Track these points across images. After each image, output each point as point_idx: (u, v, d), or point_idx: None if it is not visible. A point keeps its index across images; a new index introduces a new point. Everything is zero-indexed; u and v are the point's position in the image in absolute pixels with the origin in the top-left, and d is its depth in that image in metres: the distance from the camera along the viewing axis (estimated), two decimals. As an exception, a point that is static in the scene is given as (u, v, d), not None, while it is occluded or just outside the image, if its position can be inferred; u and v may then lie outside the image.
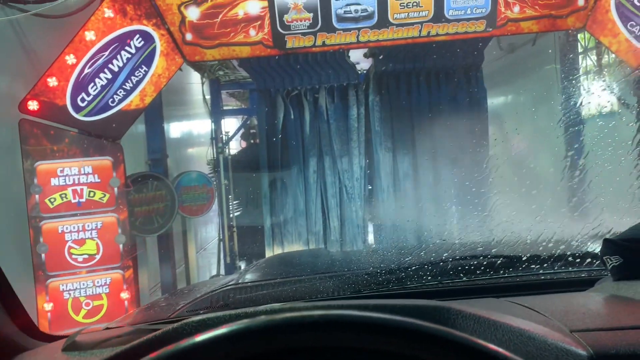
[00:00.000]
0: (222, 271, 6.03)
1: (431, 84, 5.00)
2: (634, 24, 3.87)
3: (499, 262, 1.38)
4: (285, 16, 3.88)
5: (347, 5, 3.84)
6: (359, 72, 5.25)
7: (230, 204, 6.14)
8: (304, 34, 3.93)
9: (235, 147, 6.62)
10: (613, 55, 4.56)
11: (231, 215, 6.11)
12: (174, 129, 7.35)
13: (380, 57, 4.96)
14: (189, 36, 3.92)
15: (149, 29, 3.88)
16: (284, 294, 1.34)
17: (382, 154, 5.09)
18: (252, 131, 6.30)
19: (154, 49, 3.91)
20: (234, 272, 5.66)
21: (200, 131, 7.44)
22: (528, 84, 6.30)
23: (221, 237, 6.17)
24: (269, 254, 5.24)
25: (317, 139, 5.17)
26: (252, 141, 6.30)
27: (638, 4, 3.86)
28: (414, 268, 1.35)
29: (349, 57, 5.04)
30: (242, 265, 5.93)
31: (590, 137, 4.75)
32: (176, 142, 7.24)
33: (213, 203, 5.80)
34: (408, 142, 5.02)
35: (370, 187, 5.16)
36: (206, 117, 6.67)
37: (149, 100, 4.00)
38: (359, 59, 5.29)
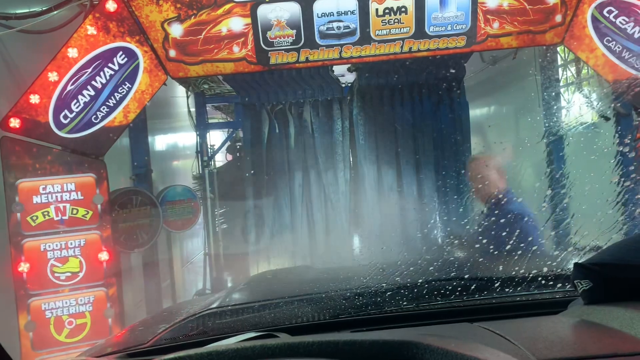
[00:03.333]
0: (208, 285, 5.99)
1: (414, 97, 5.06)
2: (610, 39, 3.96)
3: (473, 285, 1.40)
4: (269, 33, 3.91)
5: (330, 22, 3.88)
6: (343, 86, 5.30)
7: (216, 217, 6.12)
8: (287, 50, 3.95)
9: (220, 160, 6.61)
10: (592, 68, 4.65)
11: (217, 228, 6.09)
12: (159, 143, 7.32)
13: (364, 71, 5.01)
14: (172, 53, 3.93)
15: (132, 45, 3.88)
16: (262, 320, 1.35)
17: (366, 167, 5.12)
18: (237, 144, 6.30)
19: (138, 66, 3.91)
20: (219, 287, 5.64)
21: (186, 144, 7.43)
22: (510, 96, 6.40)
23: (207, 251, 6.15)
24: (254, 268, 5.23)
25: (302, 152, 5.20)
26: (237, 155, 6.30)
27: (614, 20, 3.95)
28: (389, 293, 1.37)
29: (332, 71, 5.09)
30: (228, 278, 5.90)
31: (569, 150, 4.83)
32: (161, 155, 7.21)
33: (198, 217, 5.79)
34: (392, 155, 5.07)
35: (355, 201, 5.19)
36: (191, 130, 6.66)
37: (132, 116, 3.99)
38: (343, 73, 5.34)
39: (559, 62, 5.69)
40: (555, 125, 5.22)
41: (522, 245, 2.95)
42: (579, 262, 1.22)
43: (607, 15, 3.93)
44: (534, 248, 3.00)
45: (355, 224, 5.11)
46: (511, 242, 2.85)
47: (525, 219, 3.28)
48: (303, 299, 1.50)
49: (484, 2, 3.87)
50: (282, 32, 3.91)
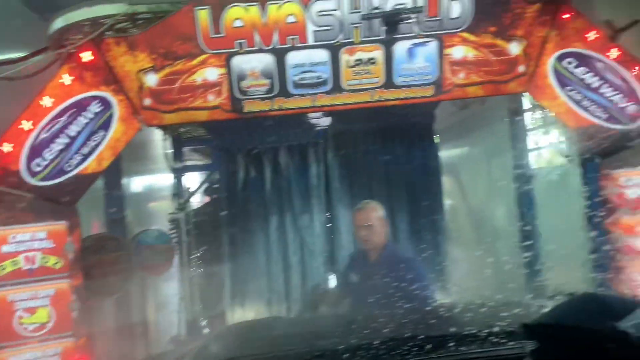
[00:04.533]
0: (183, 331, 5.89)
1: (387, 142, 5.19)
2: (571, 89, 4.14)
3: (430, 345, 1.44)
4: (243, 82, 4.01)
5: (303, 72, 3.99)
6: (318, 130, 5.40)
7: (192, 261, 6.07)
8: (261, 99, 4.05)
9: (197, 203, 6.60)
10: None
11: (192, 273, 6.03)
12: (135, 185, 7.30)
13: (339, 117, 5.13)
14: (147, 101, 3.99)
15: (107, 94, 3.94)
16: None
17: (342, 211, 5.18)
18: (213, 188, 6.32)
19: (112, 114, 3.95)
20: (194, 332, 5.55)
21: (162, 186, 7.41)
22: (481, 139, 6.57)
23: (182, 296, 6.07)
24: (230, 313, 5.18)
25: (277, 196, 5.25)
26: (213, 198, 6.31)
27: (573, 70, 4.14)
28: (346, 355, 1.40)
29: (308, 117, 5.20)
30: (203, 324, 5.81)
31: (538, 193, 4.96)
32: (137, 198, 7.18)
33: (174, 261, 5.74)
34: (366, 198, 5.13)
35: (330, 244, 5.22)
36: (167, 172, 6.67)
37: (106, 164, 4.01)
38: (319, 118, 5.45)
39: (528, 106, 5.89)
40: (525, 168, 5.34)
41: (417, 289, 3.12)
42: (527, 322, 1.27)
43: (567, 66, 4.13)
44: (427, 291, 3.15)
45: (331, 269, 5.13)
46: (406, 288, 3.02)
47: (416, 264, 3.46)
48: (268, 357, 1.52)
49: (450, 53, 4.03)
50: (257, 81, 4.01)
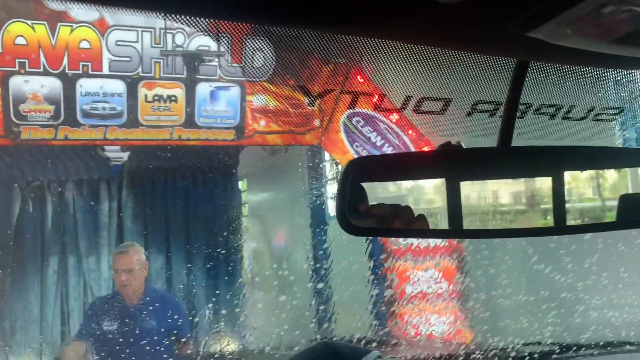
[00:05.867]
0: None
1: (187, 182, 5.06)
2: (358, 144, 4.55)
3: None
4: (22, 106, 3.58)
5: (94, 102, 3.73)
6: (113, 165, 5.04)
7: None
8: (43, 126, 3.65)
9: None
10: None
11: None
12: None
13: (136, 152, 4.86)
14: None
15: None
16: None
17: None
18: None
19: None
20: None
21: None
22: (285, 184, 6.83)
23: None
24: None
25: (59, 235, 4.71)
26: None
27: (361, 128, 4.57)
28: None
29: (102, 149, 4.83)
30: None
31: (330, 243, 5.28)
32: None
33: None
34: (162, 240, 4.91)
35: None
36: None
37: None
38: (114, 152, 5.10)
39: (326, 157, 6.32)
40: (320, 215, 5.67)
41: (175, 330, 3.23)
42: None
43: (355, 124, 4.54)
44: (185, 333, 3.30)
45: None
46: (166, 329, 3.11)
47: (177, 305, 3.58)
48: None
49: (251, 100, 4.15)
50: (38, 106, 3.62)
